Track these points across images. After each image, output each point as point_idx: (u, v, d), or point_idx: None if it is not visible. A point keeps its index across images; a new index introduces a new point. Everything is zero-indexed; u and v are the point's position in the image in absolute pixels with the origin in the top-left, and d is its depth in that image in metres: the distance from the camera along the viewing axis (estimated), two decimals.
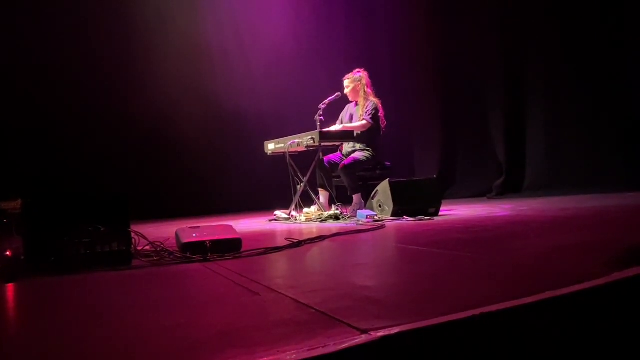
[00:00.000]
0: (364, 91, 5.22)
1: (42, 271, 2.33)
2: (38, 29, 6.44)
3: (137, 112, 6.85)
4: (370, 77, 5.34)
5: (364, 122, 5.11)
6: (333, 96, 5.23)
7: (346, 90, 5.32)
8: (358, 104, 5.29)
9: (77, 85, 6.60)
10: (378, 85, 5.43)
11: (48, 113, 6.38)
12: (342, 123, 5.38)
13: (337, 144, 5.29)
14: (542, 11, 6.66)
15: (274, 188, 6.43)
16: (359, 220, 4.32)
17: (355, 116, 5.27)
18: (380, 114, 5.17)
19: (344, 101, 5.43)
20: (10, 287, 2.14)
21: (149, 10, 7.16)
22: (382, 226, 3.86)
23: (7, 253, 2.51)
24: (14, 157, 6.03)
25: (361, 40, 8.24)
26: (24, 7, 6.41)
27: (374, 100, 5.20)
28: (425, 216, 4.40)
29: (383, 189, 4.69)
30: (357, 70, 5.33)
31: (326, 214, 4.72)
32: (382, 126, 5.20)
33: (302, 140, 4.96)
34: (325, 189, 5.20)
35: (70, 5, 6.65)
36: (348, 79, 5.32)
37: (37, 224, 2.43)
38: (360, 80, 5.25)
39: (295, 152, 5.23)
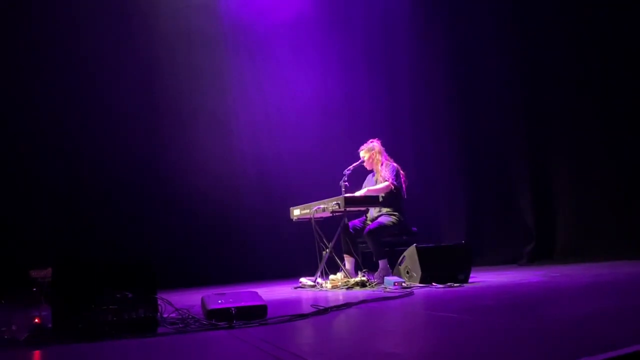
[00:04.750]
0: (378, 158, 5.28)
1: (69, 339, 2.33)
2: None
3: (162, 176, 6.94)
4: (393, 142, 5.42)
5: (387, 183, 5.12)
6: (358, 162, 5.29)
7: (364, 162, 5.36)
8: (375, 172, 5.33)
9: (102, 152, 6.70)
10: (401, 152, 5.49)
11: (72, 178, 6.51)
12: None
13: (362, 209, 5.28)
14: (567, 63, 6.71)
15: (300, 254, 6.39)
16: (386, 287, 4.24)
17: (374, 183, 5.28)
18: (402, 178, 5.20)
19: (368, 168, 5.46)
20: (36, 354, 2.14)
21: (178, 61, 7.32)
22: (411, 293, 3.78)
23: (36, 320, 2.53)
24: (43, 225, 6.13)
25: (384, 105, 8.37)
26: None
27: (394, 165, 5.25)
28: (455, 283, 4.29)
29: (410, 254, 4.62)
30: (370, 140, 5.42)
31: (352, 280, 4.65)
32: (404, 190, 5.20)
33: (328, 206, 4.97)
34: (351, 255, 5.14)
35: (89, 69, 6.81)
36: (362, 149, 5.38)
37: (66, 291, 2.46)
38: (373, 149, 5.33)
39: (321, 217, 5.24)
